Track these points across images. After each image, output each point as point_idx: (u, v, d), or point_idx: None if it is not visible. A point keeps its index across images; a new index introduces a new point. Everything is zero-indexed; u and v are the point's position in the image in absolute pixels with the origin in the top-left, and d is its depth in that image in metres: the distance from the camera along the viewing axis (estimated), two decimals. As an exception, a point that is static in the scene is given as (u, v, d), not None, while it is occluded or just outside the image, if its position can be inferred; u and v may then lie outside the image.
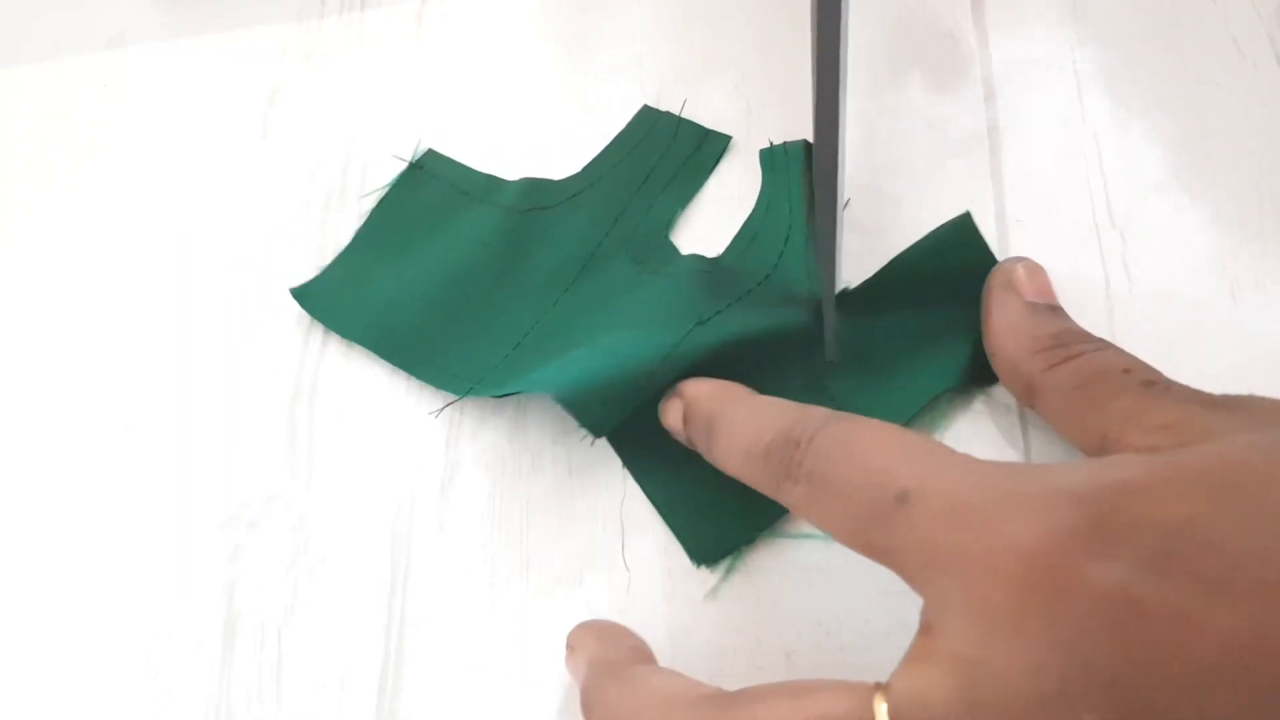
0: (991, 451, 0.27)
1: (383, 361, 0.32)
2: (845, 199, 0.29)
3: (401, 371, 0.32)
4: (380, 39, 0.38)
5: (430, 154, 0.36)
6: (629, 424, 0.28)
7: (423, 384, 0.32)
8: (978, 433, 0.28)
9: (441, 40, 0.38)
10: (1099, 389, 0.23)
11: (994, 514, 0.18)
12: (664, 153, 0.34)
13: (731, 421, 0.25)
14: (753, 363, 0.28)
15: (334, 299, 0.34)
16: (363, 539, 0.30)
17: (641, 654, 0.24)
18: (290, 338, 0.33)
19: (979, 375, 0.27)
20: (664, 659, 0.25)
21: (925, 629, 0.19)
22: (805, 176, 0.30)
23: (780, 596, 0.27)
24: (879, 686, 0.19)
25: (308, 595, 0.30)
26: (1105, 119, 0.31)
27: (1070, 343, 0.25)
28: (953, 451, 0.20)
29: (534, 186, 0.34)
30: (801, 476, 0.21)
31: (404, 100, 0.37)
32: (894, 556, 0.20)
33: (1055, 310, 0.26)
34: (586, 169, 0.34)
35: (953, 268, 0.28)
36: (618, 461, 0.29)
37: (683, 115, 0.34)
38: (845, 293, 0.29)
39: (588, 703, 0.23)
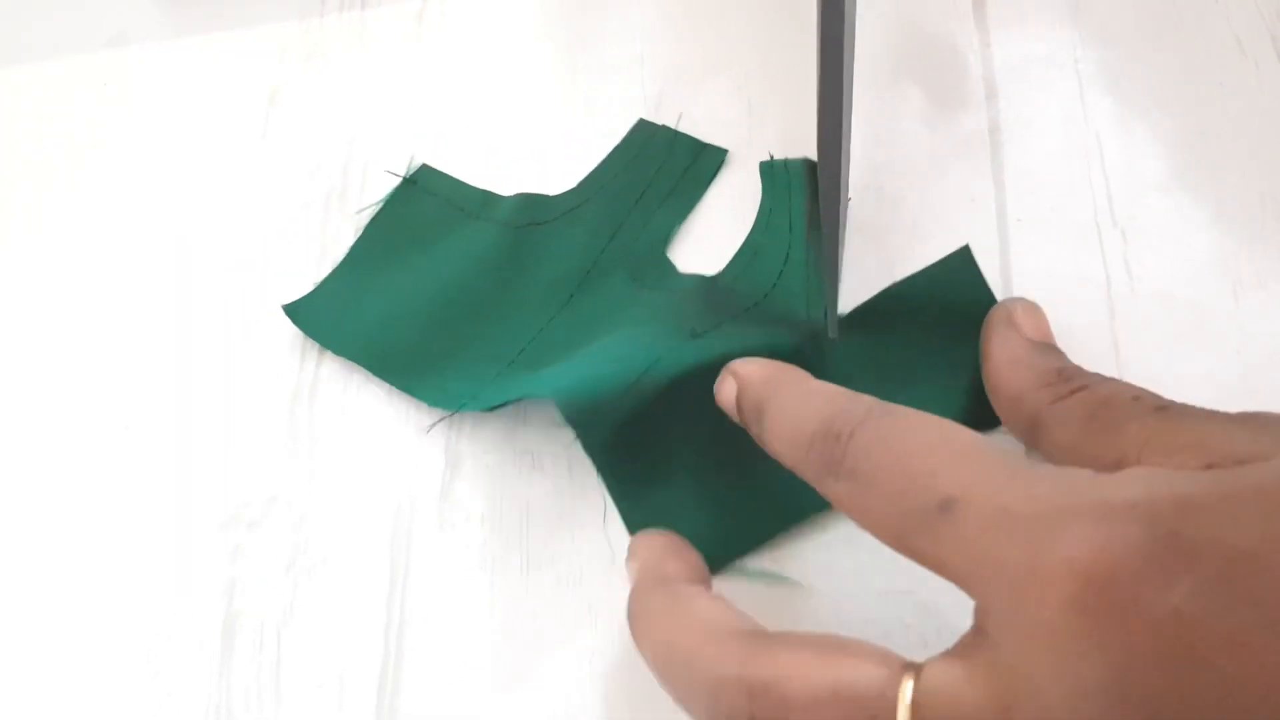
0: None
1: (383, 361, 0.32)
2: (846, 198, 0.29)
3: (401, 371, 0.32)
4: (381, 38, 0.38)
5: (424, 169, 0.35)
6: (611, 446, 0.28)
7: (423, 384, 0.32)
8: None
9: (442, 40, 0.38)
10: (1111, 417, 0.22)
11: (1044, 528, 0.17)
12: (660, 166, 0.33)
13: (780, 409, 0.24)
14: None
15: (327, 316, 0.33)
16: (362, 539, 0.30)
17: (697, 572, 0.24)
18: (291, 337, 0.33)
19: (978, 418, 0.27)
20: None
21: (977, 629, 0.18)
22: (809, 196, 0.29)
23: (780, 596, 0.27)
24: (911, 666, 0.18)
25: (307, 595, 0.30)
26: (1107, 118, 0.31)
27: (1074, 376, 0.24)
28: (1001, 451, 0.20)
29: (529, 202, 0.34)
30: (844, 474, 0.21)
31: (404, 100, 0.37)
32: (939, 564, 0.19)
33: (1055, 349, 0.26)
34: (582, 184, 0.34)
35: (950, 303, 0.28)
36: (618, 462, 0.29)
37: (679, 127, 0.34)
38: (840, 317, 0.29)
39: (633, 610, 0.23)
